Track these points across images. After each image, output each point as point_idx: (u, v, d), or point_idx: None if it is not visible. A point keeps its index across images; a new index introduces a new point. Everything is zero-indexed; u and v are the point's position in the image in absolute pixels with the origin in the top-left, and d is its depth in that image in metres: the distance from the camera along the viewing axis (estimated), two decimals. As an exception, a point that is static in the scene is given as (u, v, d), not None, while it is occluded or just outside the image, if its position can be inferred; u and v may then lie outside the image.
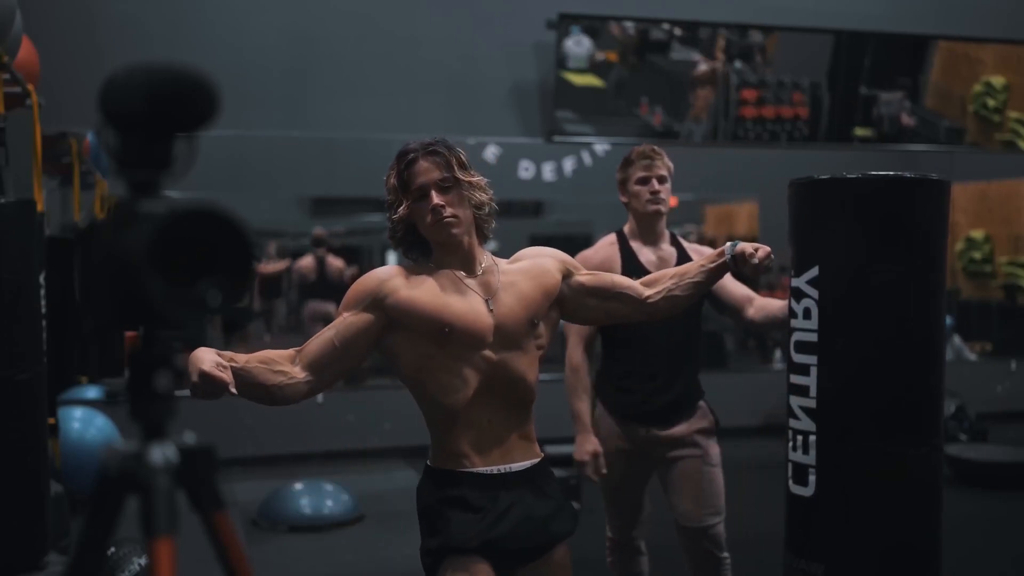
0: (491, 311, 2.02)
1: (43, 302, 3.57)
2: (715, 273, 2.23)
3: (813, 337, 2.67)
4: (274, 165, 7.41)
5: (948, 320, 7.97)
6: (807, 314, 2.69)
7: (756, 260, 2.16)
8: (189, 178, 1.09)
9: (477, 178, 2.05)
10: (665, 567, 4.32)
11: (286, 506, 4.88)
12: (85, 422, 4.65)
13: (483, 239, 2.09)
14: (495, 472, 2.02)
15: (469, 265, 2.05)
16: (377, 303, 1.98)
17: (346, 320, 1.98)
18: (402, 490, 5.68)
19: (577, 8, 6.76)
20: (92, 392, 5.77)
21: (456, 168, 2.01)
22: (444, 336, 1.97)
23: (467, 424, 2.01)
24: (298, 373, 1.94)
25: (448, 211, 1.98)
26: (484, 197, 2.05)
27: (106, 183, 5.95)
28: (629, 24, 6.94)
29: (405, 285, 1.99)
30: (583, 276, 2.19)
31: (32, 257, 3.39)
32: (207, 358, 1.76)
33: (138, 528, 1.01)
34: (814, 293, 2.67)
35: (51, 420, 3.78)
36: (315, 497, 4.93)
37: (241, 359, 1.87)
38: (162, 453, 1.03)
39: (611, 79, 6.97)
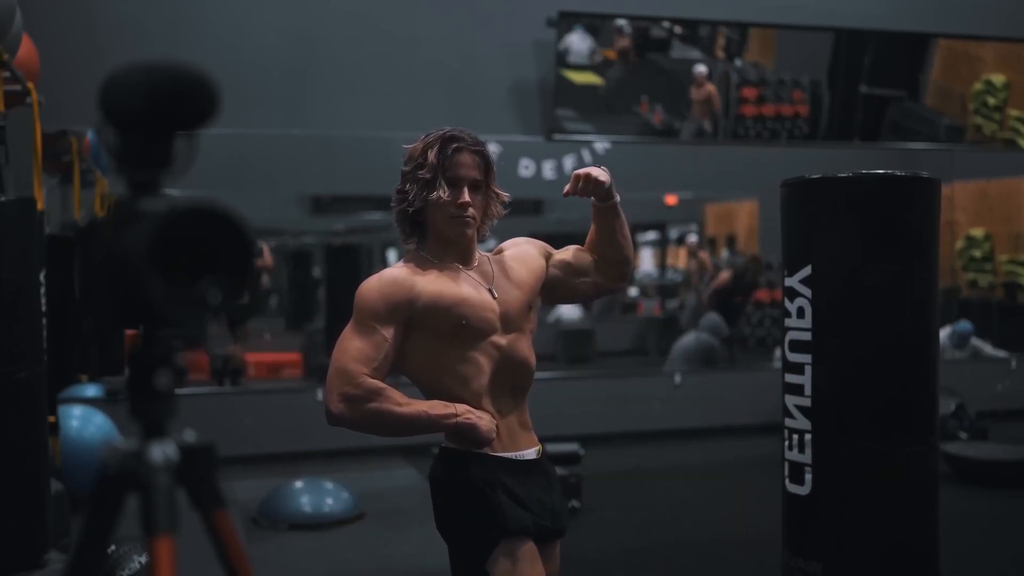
0: (495, 298, 2.05)
1: (43, 300, 3.57)
2: (606, 211, 2.15)
3: (807, 336, 2.67)
4: (274, 164, 7.41)
5: (968, 325, 7.98)
6: (801, 313, 2.69)
7: (584, 174, 2.08)
8: (189, 176, 1.09)
9: (503, 193, 2.09)
10: (664, 567, 4.33)
11: (286, 504, 4.88)
12: (84, 420, 4.64)
13: (479, 238, 2.12)
14: (512, 457, 2.04)
15: (466, 258, 2.07)
16: (408, 309, 1.98)
17: (388, 334, 1.97)
18: (402, 488, 5.69)
19: (577, 6, 6.76)
20: (91, 390, 5.77)
21: (490, 175, 2.05)
22: (461, 328, 1.98)
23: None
24: None
25: (470, 211, 2.00)
26: (500, 211, 2.09)
27: (106, 181, 5.95)
28: (627, 30, 6.93)
29: (426, 285, 1.99)
30: (563, 254, 2.23)
31: (32, 255, 3.39)
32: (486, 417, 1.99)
33: (138, 526, 1.01)
34: (807, 292, 2.67)
35: (51, 418, 3.78)
36: (315, 495, 4.93)
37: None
38: (162, 451, 1.03)
39: (611, 77, 6.96)
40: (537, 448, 2.11)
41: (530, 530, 1.99)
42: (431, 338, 2.00)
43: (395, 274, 2.00)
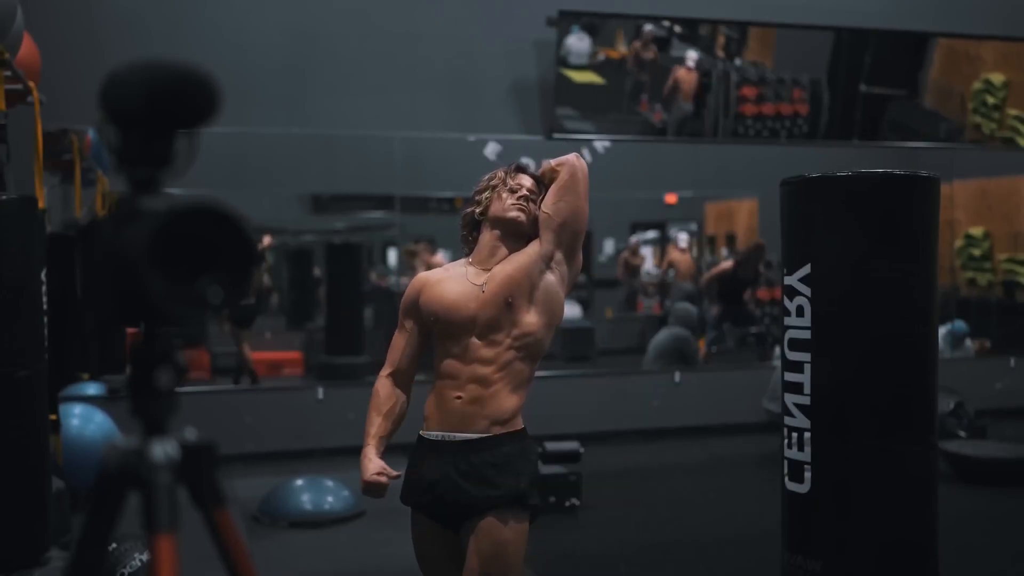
0: (479, 296, 2.27)
1: (44, 299, 3.57)
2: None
3: (806, 335, 2.68)
4: (274, 162, 7.41)
5: (963, 325, 7.99)
6: (800, 312, 2.69)
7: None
8: (189, 175, 1.09)
9: (544, 213, 2.39)
10: (663, 565, 4.33)
11: (287, 502, 4.88)
12: (84, 418, 4.65)
13: (508, 249, 2.36)
14: (436, 438, 2.29)
15: (488, 261, 2.34)
16: (416, 306, 2.35)
17: (407, 328, 2.38)
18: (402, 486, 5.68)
19: (577, 5, 6.76)
20: (91, 388, 5.78)
21: (540, 196, 2.39)
22: (434, 324, 2.30)
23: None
24: (402, 392, 2.40)
25: (523, 202, 2.35)
26: (538, 231, 2.37)
27: (107, 180, 5.96)
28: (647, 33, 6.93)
29: (431, 284, 2.34)
30: (549, 212, 2.39)
31: (33, 254, 3.40)
32: (370, 467, 2.33)
33: (139, 524, 1.01)
34: (807, 291, 2.68)
35: (52, 416, 3.79)
36: (316, 493, 4.93)
37: (382, 430, 2.37)
38: (163, 449, 1.04)
39: (611, 76, 6.96)
40: (479, 430, 2.24)
41: (422, 507, 2.31)
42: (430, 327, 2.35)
43: (419, 276, 2.44)
